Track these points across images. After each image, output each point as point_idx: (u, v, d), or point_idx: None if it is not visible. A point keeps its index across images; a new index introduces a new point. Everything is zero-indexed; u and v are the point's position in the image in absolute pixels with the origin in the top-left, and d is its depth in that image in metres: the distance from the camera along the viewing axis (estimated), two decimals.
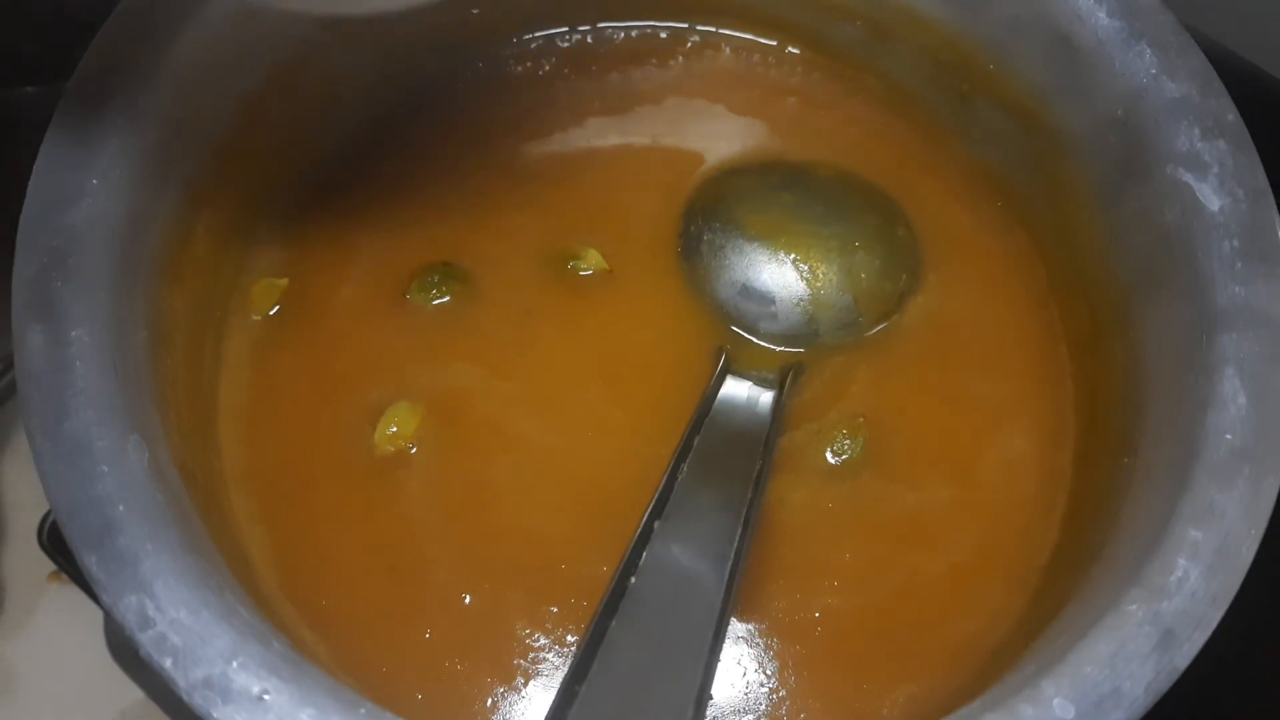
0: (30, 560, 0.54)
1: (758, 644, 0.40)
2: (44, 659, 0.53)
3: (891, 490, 0.43)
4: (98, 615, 0.53)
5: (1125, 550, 0.36)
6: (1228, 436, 0.36)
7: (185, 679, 0.31)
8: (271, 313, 0.45)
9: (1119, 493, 0.39)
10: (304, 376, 0.44)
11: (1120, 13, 0.42)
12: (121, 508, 0.33)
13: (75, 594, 0.53)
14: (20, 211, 0.37)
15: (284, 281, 0.46)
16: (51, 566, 0.54)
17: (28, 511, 0.55)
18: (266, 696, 0.31)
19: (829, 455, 0.43)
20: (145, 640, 0.32)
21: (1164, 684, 0.33)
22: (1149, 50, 0.42)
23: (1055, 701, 0.32)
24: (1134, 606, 0.34)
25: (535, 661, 0.40)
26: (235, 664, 0.31)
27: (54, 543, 0.51)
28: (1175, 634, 0.33)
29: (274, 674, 0.31)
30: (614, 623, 0.36)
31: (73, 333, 0.35)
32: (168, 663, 0.31)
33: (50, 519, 0.51)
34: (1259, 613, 0.34)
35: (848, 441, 0.43)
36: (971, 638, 0.40)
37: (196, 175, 0.42)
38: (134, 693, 0.52)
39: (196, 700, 0.31)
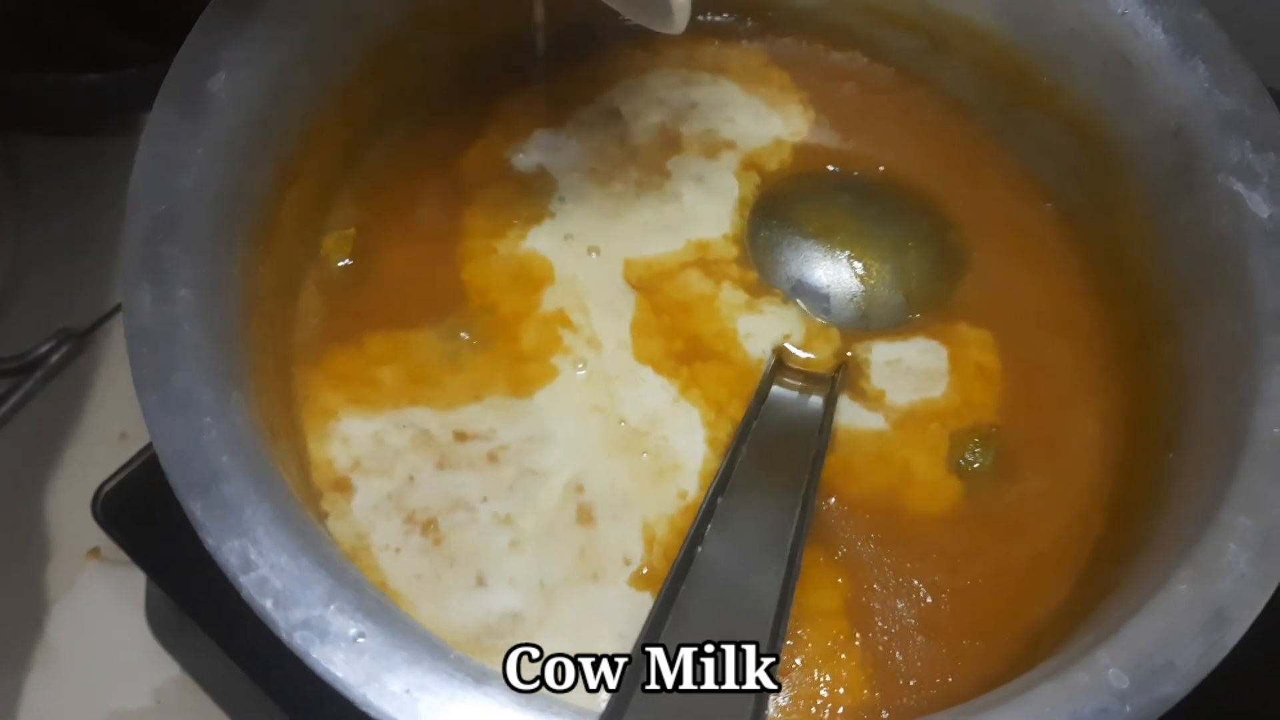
0: (69, 538, 0.55)
1: (865, 621, 0.42)
2: (81, 635, 0.54)
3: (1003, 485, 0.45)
4: (138, 592, 0.54)
5: (1174, 536, 0.38)
6: (1275, 430, 0.38)
7: (285, 620, 0.33)
8: (342, 264, 0.47)
9: (1163, 485, 0.41)
10: (373, 320, 0.46)
11: (1175, 29, 0.44)
12: (225, 458, 0.35)
13: (113, 570, 0.54)
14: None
15: (352, 232, 0.48)
16: (89, 544, 0.55)
17: (70, 491, 0.56)
18: (362, 639, 0.33)
19: (961, 462, 0.45)
20: (247, 583, 0.33)
21: (1214, 659, 0.34)
22: (1203, 65, 0.44)
23: (1111, 672, 0.34)
24: (1185, 586, 0.35)
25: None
26: (333, 608, 0.33)
27: (107, 515, 0.51)
28: (1226, 613, 0.35)
29: (370, 618, 0.33)
30: (684, 587, 0.37)
31: (179, 292, 0.37)
32: (268, 604, 0.33)
33: (103, 493, 0.51)
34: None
35: (979, 450, 0.45)
36: (1037, 622, 0.42)
37: (288, 152, 0.44)
38: (171, 668, 0.53)
39: (296, 640, 0.32)
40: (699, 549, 0.39)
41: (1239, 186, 0.42)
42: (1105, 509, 0.44)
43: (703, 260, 0.48)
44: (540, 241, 0.48)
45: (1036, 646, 0.41)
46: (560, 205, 0.49)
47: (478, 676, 0.33)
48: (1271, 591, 0.35)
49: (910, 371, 0.47)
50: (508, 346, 0.46)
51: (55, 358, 0.59)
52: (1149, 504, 0.41)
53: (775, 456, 0.43)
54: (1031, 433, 0.46)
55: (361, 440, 0.44)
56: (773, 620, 0.37)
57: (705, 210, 0.50)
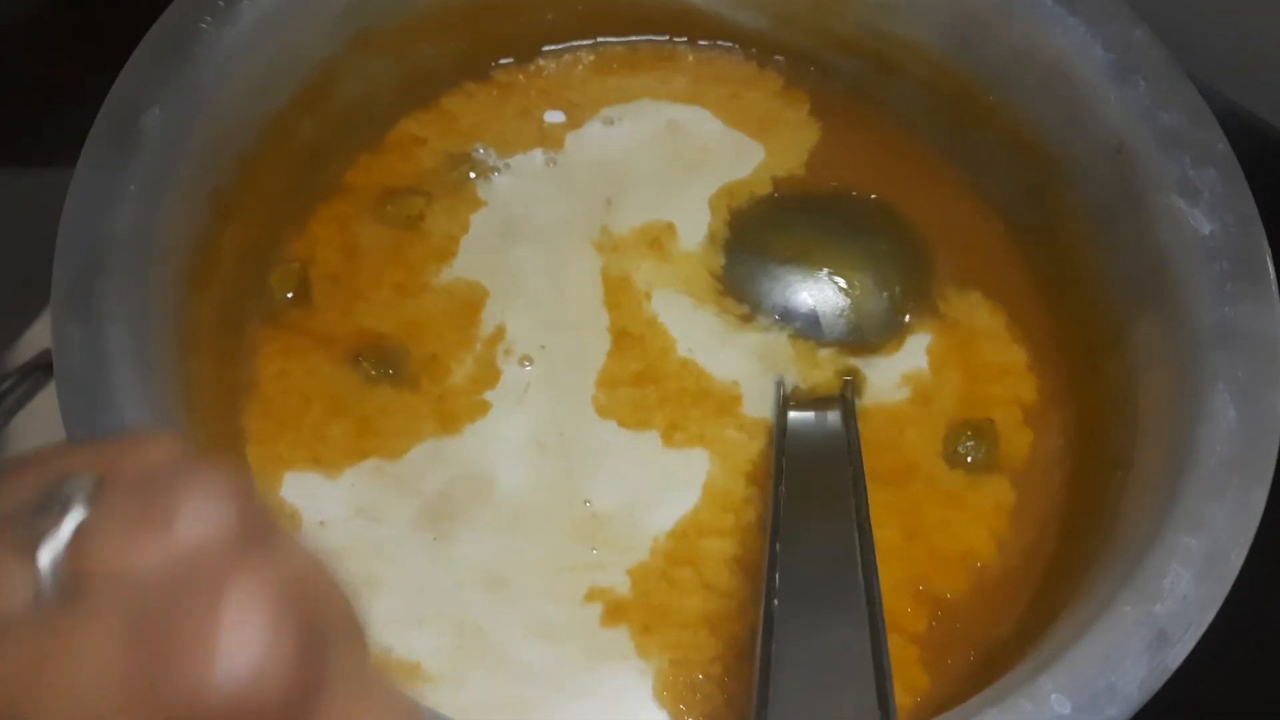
0: None
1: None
2: None
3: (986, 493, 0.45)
4: None
5: (1120, 556, 0.37)
6: (1218, 449, 0.37)
7: None
8: (287, 299, 0.47)
9: (1112, 504, 0.41)
10: (321, 351, 0.46)
11: (1115, 47, 0.44)
12: None
13: None
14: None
15: (296, 265, 0.47)
16: None
17: None
18: None
19: (958, 450, 0.45)
20: None
21: (1156, 682, 0.34)
22: (1143, 82, 0.44)
23: (1053, 697, 0.33)
24: (1129, 608, 0.35)
25: None
26: None
27: None
28: (1168, 635, 0.34)
29: None
30: (775, 647, 0.36)
31: (109, 331, 0.37)
32: None
33: None
34: (1247, 618, 0.35)
35: (971, 443, 0.45)
36: (997, 641, 0.42)
37: (226, 186, 0.43)
38: None
39: None
40: (775, 602, 0.37)
41: (1180, 203, 0.41)
42: (1059, 527, 0.44)
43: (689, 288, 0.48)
44: (487, 274, 0.48)
45: (992, 667, 0.40)
46: (515, 245, 0.49)
47: None
48: (1214, 612, 0.35)
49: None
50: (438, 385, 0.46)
51: (19, 392, 0.58)
52: (1099, 523, 0.41)
53: (814, 489, 0.42)
54: (1008, 444, 0.46)
55: (308, 489, 0.43)
56: (874, 674, 0.36)
57: (676, 242, 0.49)
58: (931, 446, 0.45)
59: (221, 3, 0.43)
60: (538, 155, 0.51)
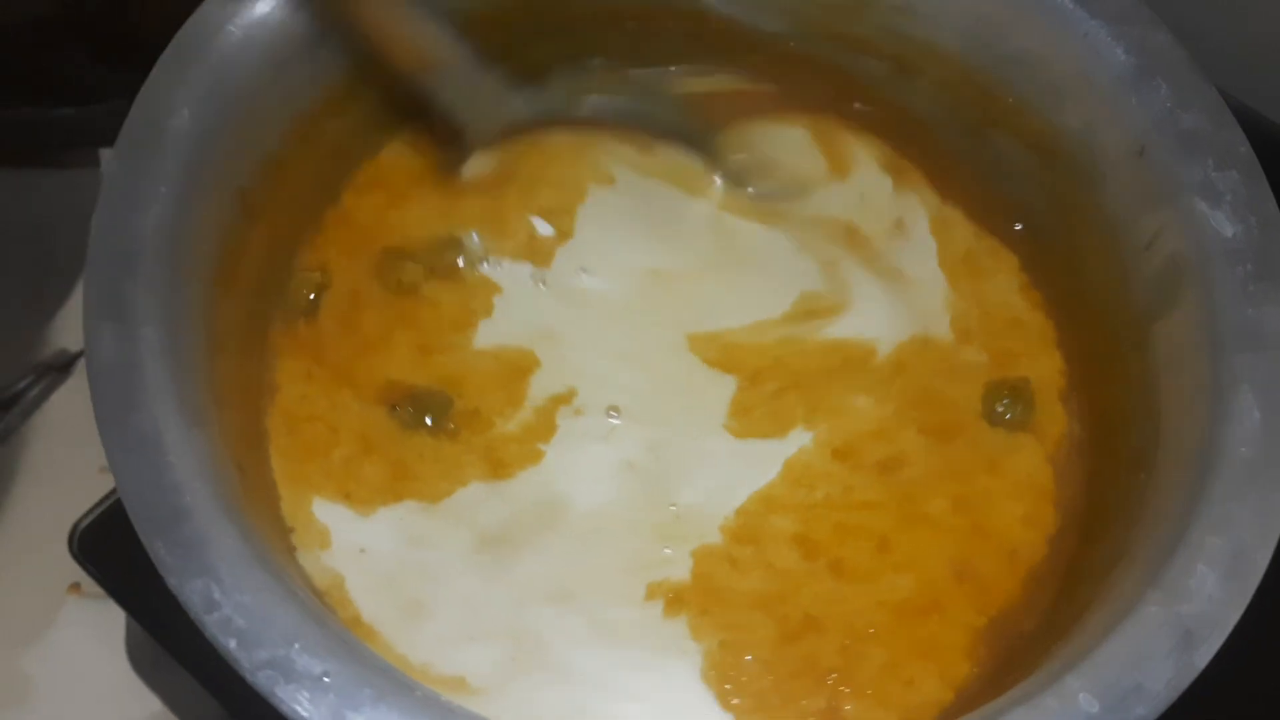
0: (49, 573, 0.55)
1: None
2: (61, 670, 0.54)
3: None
4: (118, 627, 0.54)
5: (1145, 557, 0.38)
6: (1242, 450, 0.38)
7: (249, 659, 0.32)
8: (307, 307, 0.47)
9: (1134, 506, 0.41)
10: (341, 360, 0.46)
11: (1136, 50, 0.44)
12: (188, 496, 0.34)
13: (95, 606, 0.54)
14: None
15: (317, 275, 0.47)
16: (70, 579, 0.55)
17: (50, 526, 0.55)
18: (327, 678, 0.32)
19: (997, 407, 0.46)
20: (210, 622, 0.33)
21: (1184, 681, 0.34)
22: (1164, 85, 0.44)
23: (1081, 696, 0.34)
24: (1155, 608, 0.35)
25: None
26: (297, 646, 0.33)
27: (84, 551, 0.51)
28: (1194, 634, 0.35)
29: (334, 656, 0.33)
30: None
31: (141, 330, 0.37)
32: (232, 644, 0.33)
33: (80, 529, 0.51)
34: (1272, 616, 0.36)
35: (1007, 400, 0.46)
36: (1022, 638, 0.42)
37: (253, 187, 0.44)
38: (152, 704, 0.53)
39: (260, 680, 0.32)
40: None
41: (1203, 205, 0.42)
42: (1082, 523, 0.45)
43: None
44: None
45: (1019, 662, 0.41)
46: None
47: (444, 712, 0.33)
48: (1241, 611, 0.35)
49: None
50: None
51: (34, 392, 0.59)
52: (1120, 526, 0.41)
53: None
54: (1041, 414, 0.47)
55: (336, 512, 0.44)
56: None
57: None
58: (971, 404, 0.46)
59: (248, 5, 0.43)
60: (526, 270, 0.49)
